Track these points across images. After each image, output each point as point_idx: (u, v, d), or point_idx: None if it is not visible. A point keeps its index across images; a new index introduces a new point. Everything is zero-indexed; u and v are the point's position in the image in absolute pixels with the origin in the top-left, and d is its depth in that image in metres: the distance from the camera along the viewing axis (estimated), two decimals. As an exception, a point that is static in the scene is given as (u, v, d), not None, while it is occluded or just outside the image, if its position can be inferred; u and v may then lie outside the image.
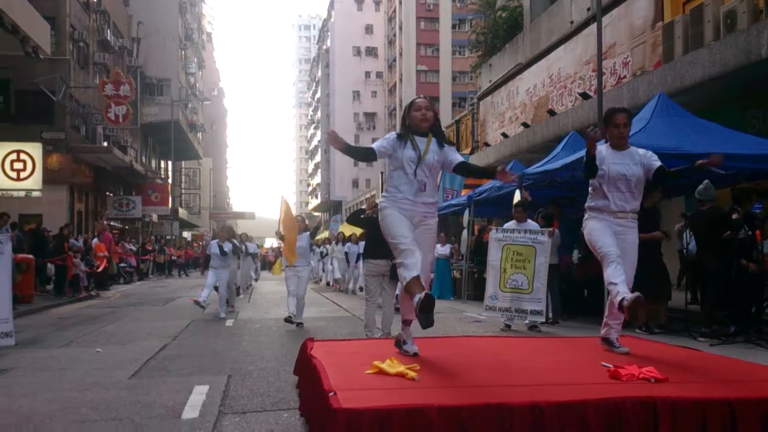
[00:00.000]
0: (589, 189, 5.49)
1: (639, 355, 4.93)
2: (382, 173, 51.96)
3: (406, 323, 5.00)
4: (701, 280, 8.64)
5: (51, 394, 5.55)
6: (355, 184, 79.26)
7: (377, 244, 7.65)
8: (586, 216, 5.46)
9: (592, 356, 5.07)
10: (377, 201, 4.95)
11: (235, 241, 13.07)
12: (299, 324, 10.29)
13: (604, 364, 4.49)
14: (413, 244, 4.60)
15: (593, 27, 13.89)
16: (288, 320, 10.26)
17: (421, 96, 5.22)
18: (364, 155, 5.15)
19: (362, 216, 8.40)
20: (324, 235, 35.64)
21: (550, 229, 9.41)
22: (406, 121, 4.96)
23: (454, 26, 61.25)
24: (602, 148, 5.29)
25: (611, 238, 5.19)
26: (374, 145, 4.89)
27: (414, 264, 4.50)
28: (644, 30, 14.66)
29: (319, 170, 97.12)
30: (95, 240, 20.53)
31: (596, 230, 5.28)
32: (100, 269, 19.63)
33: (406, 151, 4.79)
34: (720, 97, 12.05)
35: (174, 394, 5.45)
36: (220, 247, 11.94)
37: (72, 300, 16.14)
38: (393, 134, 4.91)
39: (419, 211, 4.77)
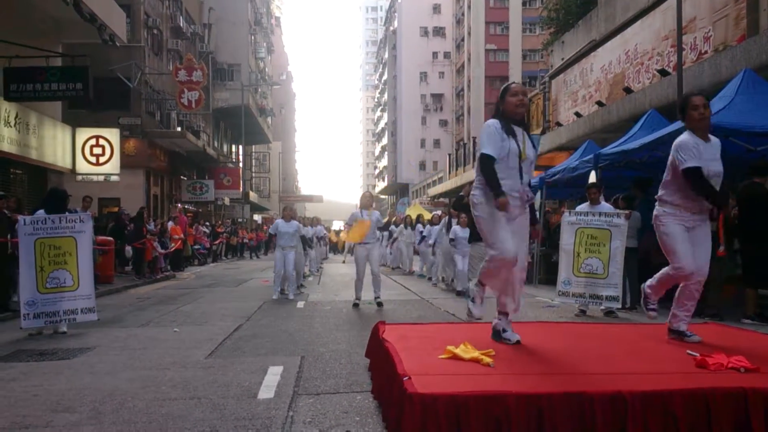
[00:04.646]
0: (666, 176, 5.05)
1: (726, 343, 4.72)
2: (449, 155, 51.59)
3: (502, 313, 5.07)
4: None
5: (132, 372, 5.72)
6: (422, 166, 79.00)
7: None
8: (662, 210, 5.06)
9: (675, 344, 4.90)
10: (472, 192, 4.85)
11: (299, 224, 13.14)
12: (379, 303, 10.31)
13: (690, 352, 4.32)
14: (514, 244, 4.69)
15: (672, 1, 13.33)
16: (356, 305, 10.29)
17: (515, 81, 5.15)
18: (491, 167, 4.69)
19: (464, 201, 8.69)
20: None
21: (627, 211, 9.07)
22: (500, 107, 4.87)
23: (524, 3, 59.99)
24: (690, 140, 4.89)
25: (690, 248, 4.92)
26: (489, 152, 4.67)
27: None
28: (727, 3, 13.95)
29: (386, 153, 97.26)
30: (171, 223, 21.14)
31: (676, 235, 4.95)
32: (172, 249, 20.21)
33: (510, 143, 4.71)
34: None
35: (249, 374, 5.53)
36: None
37: (150, 281, 16.68)
38: (496, 124, 4.75)
39: (518, 204, 4.76)
